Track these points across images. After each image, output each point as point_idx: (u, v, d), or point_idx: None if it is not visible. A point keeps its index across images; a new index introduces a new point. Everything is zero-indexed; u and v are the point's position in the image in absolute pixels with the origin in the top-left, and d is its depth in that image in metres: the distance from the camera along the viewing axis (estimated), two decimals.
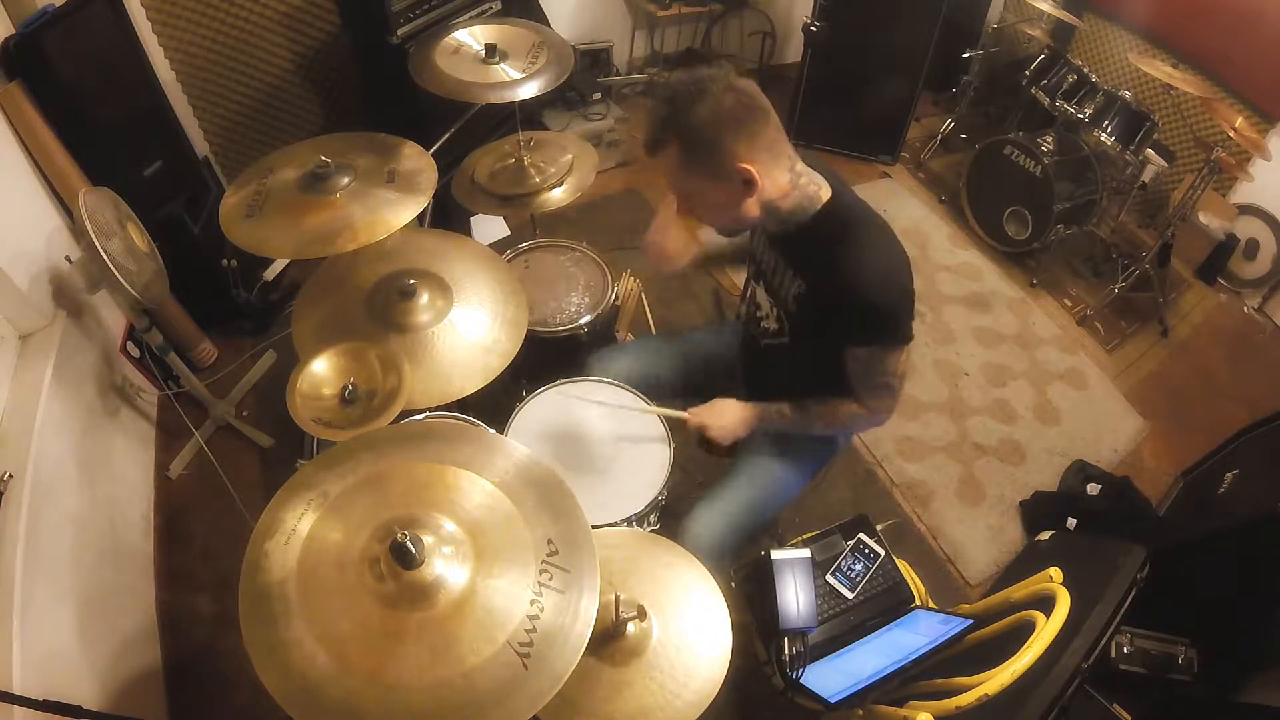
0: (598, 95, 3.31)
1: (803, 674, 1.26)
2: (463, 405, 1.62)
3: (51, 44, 1.79)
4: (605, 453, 1.51)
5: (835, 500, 2.25)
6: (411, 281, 1.44)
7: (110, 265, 1.62)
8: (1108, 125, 2.83)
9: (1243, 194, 3.15)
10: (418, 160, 1.51)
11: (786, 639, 1.27)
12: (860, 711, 1.42)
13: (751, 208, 1.21)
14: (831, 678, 1.34)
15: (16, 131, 1.82)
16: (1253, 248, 3.16)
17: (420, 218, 1.52)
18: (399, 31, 2.28)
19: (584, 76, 3.28)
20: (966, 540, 2.22)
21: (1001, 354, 2.81)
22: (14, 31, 1.81)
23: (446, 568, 0.89)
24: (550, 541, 0.94)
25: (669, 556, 1.23)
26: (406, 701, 0.81)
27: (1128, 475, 2.38)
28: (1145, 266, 2.97)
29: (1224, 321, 3.15)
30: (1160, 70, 2.72)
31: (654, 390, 1.61)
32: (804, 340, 1.38)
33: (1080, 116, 2.88)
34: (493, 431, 1.41)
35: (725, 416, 1.43)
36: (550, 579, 0.91)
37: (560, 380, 1.61)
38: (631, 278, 2.21)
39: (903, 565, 1.62)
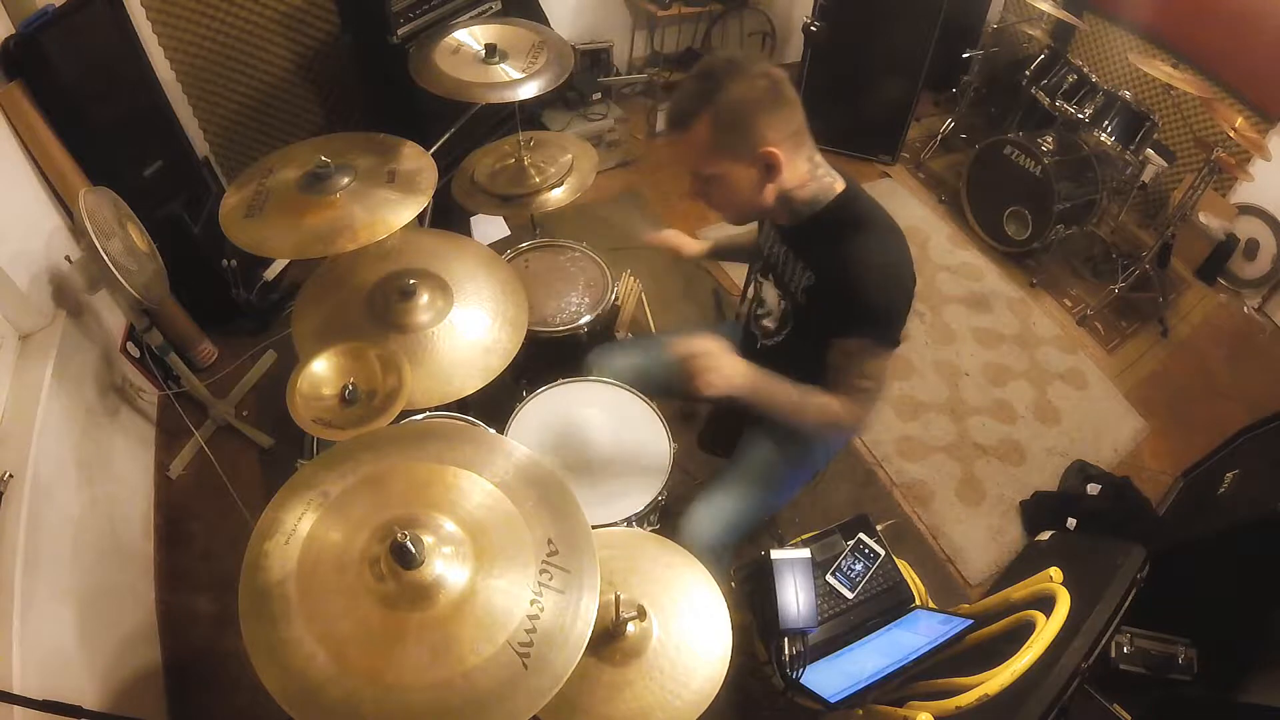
0: (598, 95, 3.31)
1: (803, 674, 1.26)
2: (463, 405, 1.62)
3: (51, 44, 1.80)
4: (605, 453, 1.51)
5: (835, 500, 2.25)
6: (411, 281, 1.44)
7: (110, 265, 1.62)
8: (1108, 125, 2.83)
9: (1243, 194, 3.15)
10: (418, 160, 1.51)
11: (786, 639, 1.27)
12: (860, 711, 1.42)
13: (769, 194, 1.22)
14: (831, 678, 1.34)
15: (16, 131, 1.82)
16: (1253, 248, 3.16)
17: (420, 218, 1.52)
18: (399, 31, 2.28)
19: (584, 76, 3.28)
20: (966, 540, 2.22)
21: (1001, 354, 2.81)
22: (14, 31, 1.81)
23: (446, 568, 0.89)
24: (550, 541, 0.94)
25: (669, 556, 1.23)
26: (406, 701, 0.81)
27: (1128, 475, 2.38)
28: (1145, 266, 2.97)
29: (1224, 321, 3.15)
30: (1160, 70, 2.72)
31: (652, 389, 1.61)
32: (807, 337, 1.38)
33: (1080, 116, 2.88)
34: (493, 431, 1.41)
35: (726, 368, 1.24)
36: (550, 579, 0.91)
37: (561, 380, 1.61)
38: (631, 278, 2.21)
39: (903, 565, 1.62)
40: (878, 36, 3.19)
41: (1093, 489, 2.30)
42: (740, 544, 1.52)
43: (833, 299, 1.27)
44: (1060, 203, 2.86)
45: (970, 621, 1.41)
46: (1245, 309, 3.21)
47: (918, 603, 1.57)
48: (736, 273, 2.81)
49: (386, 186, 1.43)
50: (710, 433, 1.87)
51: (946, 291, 3.02)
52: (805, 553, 1.30)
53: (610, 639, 1.06)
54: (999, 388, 2.68)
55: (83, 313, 1.94)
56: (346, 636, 0.84)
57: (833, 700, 1.27)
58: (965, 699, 1.24)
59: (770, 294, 1.45)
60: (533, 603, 0.88)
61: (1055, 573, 1.45)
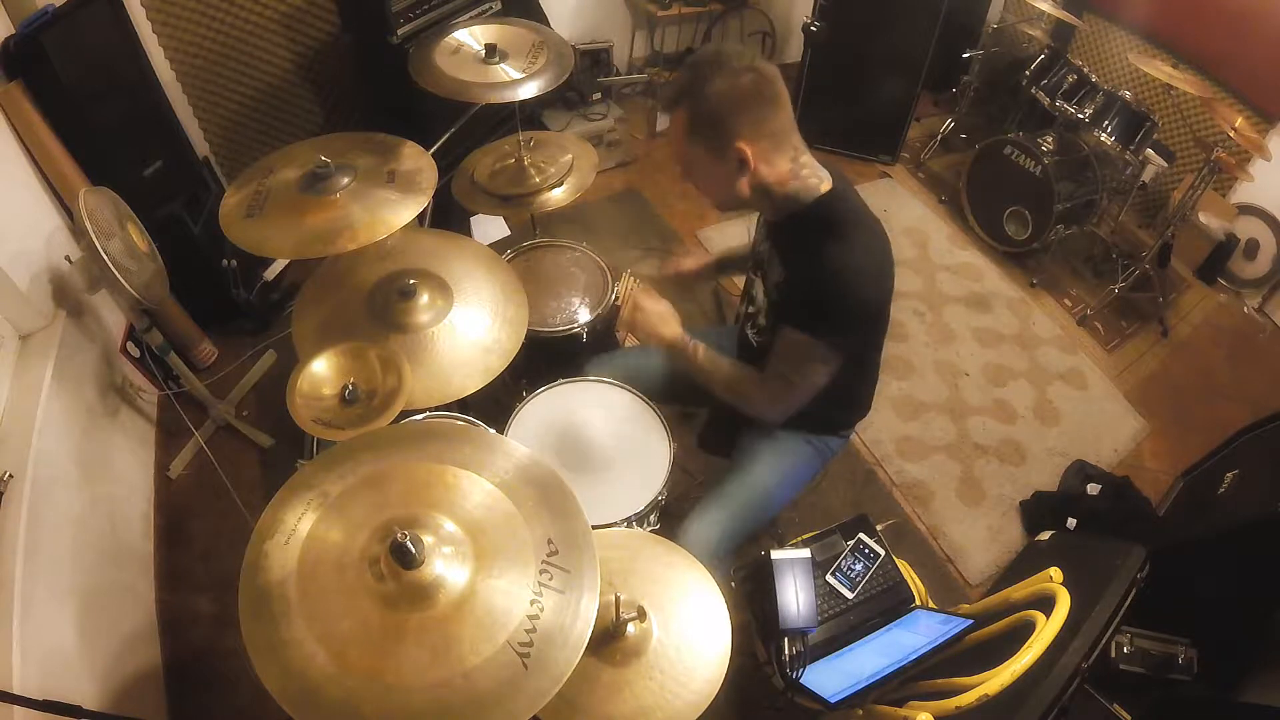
0: (598, 95, 3.31)
1: (803, 674, 1.26)
2: (463, 405, 1.62)
3: (51, 44, 1.80)
4: (605, 453, 1.51)
5: (835, 500, 2.25)
6: (411, 281, 1.44)
7: (110, 265, 1.62)
8: (1108, 125, 2.82)
9: (1243, 194, 3.15)
10: (418, 160, 1.51)
11: (786, 639, 1.27)
12: (860, 711, 1.42)
13: (743, 187, 1.24)
14: (831, 678, 1.34)
15: (16, 131, 1.82)
16: (1253, 248, 3.16)
17: (420, 218, 1.52)
18: (399, 31, 2.28)
19: (584, 76, 3.28)
20: (966, 540, 2.22)
21: (1001, 354, 2.81)
22: (14, 31, 1.81)
23: (446, 568, 0.89)
24: (550, 541, 0.94)
25: (669, 556, 1.23)
26: (406, 701, 0.81)
27: (1128, 475, 2.38)
28: (1145, 266, 2.97)
29: (1224, 321, 3.15)
30: (1160, 70, 2.72)
31: (651, 392, 1.61)
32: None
33: (1080, 116, 2.88)
34: (493, 431, 1.41)
35: (658, 322, 1.41)
36: (550, 579, 0.91)
37: (561, 380, 1.61)
38: (631, 278, 2.21)
39: (903, 565, 1.62)
40: (878, 36, 3.19)
41: (1093, 489, 2.30)
42: (740, 544, 1.52)
43: (796, 297, 1.29)
44: (1060, 203, 2.86)
45: (970, 621, 1.41)
46: (1245, 309, 3.21)
47: (918, 603, 1.57)
48: (737, 275, 2.81)
49: (386, 186, 1.43)
50: (710, 433, 1.87)
51: (946, 291, 3.02)
52: (805, 553, 1.30)
53: (610, 639, 1.06)
54: (999, 388, 2.68)
55: (83, 313, 1.94)
56: (346, 636, 0.84)
57: (833, 700, 1.27)
58: (965, 699, 1.24)
59: (759, 290, 1.47)
60: (533, 603, 0.88)
61: (1055, 573, 1.45)
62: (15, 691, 1.18)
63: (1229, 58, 3.05)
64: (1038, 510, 2.28)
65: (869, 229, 1.27)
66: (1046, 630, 1.29)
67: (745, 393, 1.39)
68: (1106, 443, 2.54)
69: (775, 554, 1.29)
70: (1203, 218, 3.10)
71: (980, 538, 2.24)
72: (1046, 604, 1.37)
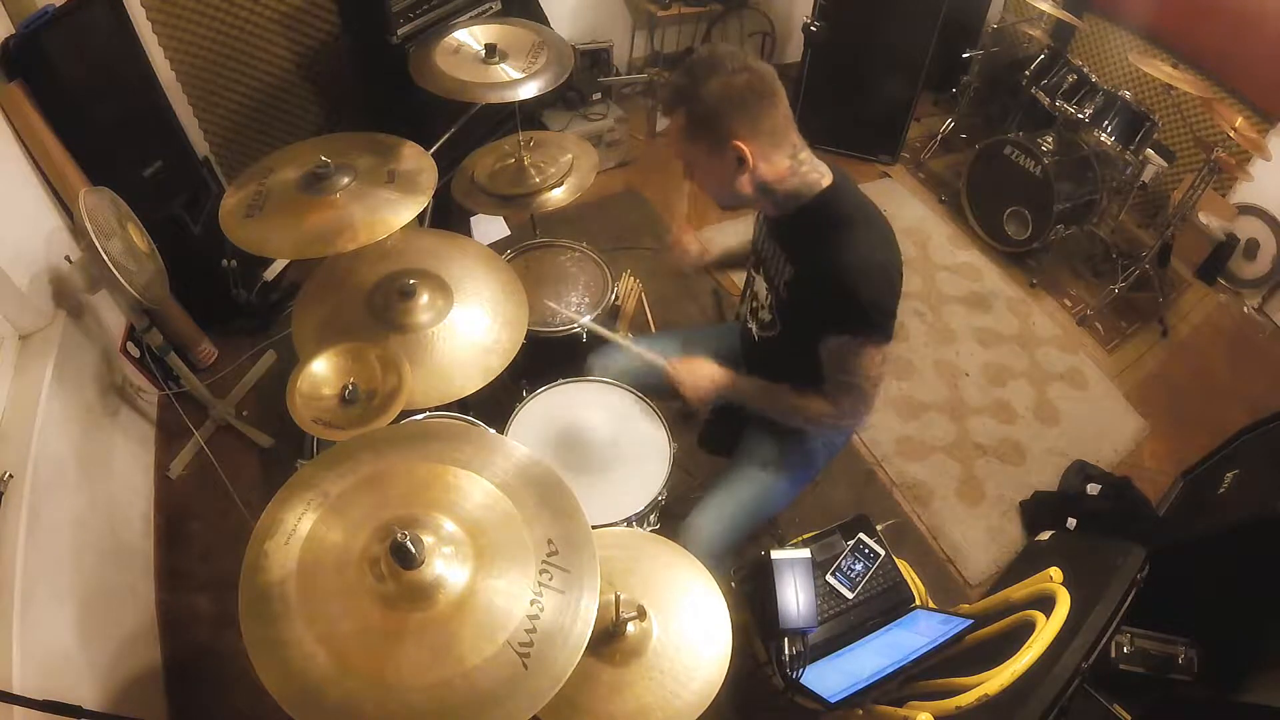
0: (598, 95, 3.31)
1: (803, 674, 1.26)
2: (463, 405, 1.62)
3: (51, 44, 1.79)
4: (605, 453, 1.51)
5: (835, 500, 2.25)
6: (411, 281, 1.44)
7: (110, 265, 1.62)
8: (1108, 125, 2.83)
9: (1243, 194, 3.15)
10: (418, 160, 1.51)
11: (786, 639, 1.27)
12: (860, 711, 1.42)
13: (744, 185, 1.26)
14: (831, 678, 1.34)
15: (16, 131, 1.82)
16: (1253, 248, 3.16)
17: (420, 218, 1.52)
18: (399, 32, 2.28)
19: (584, 76, 3.28)
20: (966, 540, 2.22)
21: (1001, 354, 2.80)
22: (14, 31, 1.81)
23: (446, 568, 0.89)
24: (550, 541, 0.94)
25: (669, 556, 1.23)
26: (406, 701, 0.81)
27: (1128, 475, 2.38)
28: (1145, 266, 2.97)
29: (1224, 321, 3.15)
30: (1160, 70, 2.72)
31: (653, 390, 1.61)
32: (793, 332, 1.39)
33: (1080, 116, 2.88)
34: (493, 431, 1.41)
35: (698, 375, 1.44)
36: (550, 579, 0.91)
37: (561, 380, 1.61)
38: (631, 278, 2.21)
39: (903, 565, 1.62)
40: (878, 36, 3.19)
41: (1093, 489, 2.30)
42: (740, 544, 1.52)
43: (812, 294, 1.29)
44: (1060, 203, 2.86)
45: (970, 621, 1.41)
46: (1245, 309, 3.21)
47: (918, 603, 1.57)
48: (737, 273, 2.81)
49: (386, 186, 1.43)
50: (710, 433, 1.86)
51: (946, 291, 3.02)
52: (805, 553, 1.31)
53: (610, 639, 1.06)
54: (999, 388, 2.68)
55: (83, 313, 1.94)
56: (346, 636, 0.84)
57: (833, 700, 1.27)
58: (965, 699, 1.24)
59: (761, 288, 1.47)
60: (533, 603, 0.88)
61: (1055, 573, 1.45)
62: (15, 691, 1.18)
63: (1229, 58, 3.05)
64: (1038, 510, 2.28)
65: (875, 220, 1.28)
66: (1046, 630, 1.29)
67: (817, 416, 1.37)
68: (1106, 443, 2.54)
69: (775, 554, 1.29)
70: (1203, 218, 3.10)
71: (980, 538, 2.24)
72: (1046, 604, 1.37)
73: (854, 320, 1.23)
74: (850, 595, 1.55)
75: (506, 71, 1.74)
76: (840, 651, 1.46)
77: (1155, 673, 1.75)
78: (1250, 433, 2.19)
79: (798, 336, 1.36)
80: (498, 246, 1.80)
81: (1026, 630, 1.34)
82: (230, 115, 2.64)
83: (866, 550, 1.60)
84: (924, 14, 3.12)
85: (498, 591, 0.89)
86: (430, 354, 1.40)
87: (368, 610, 0.86)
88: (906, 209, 3.40)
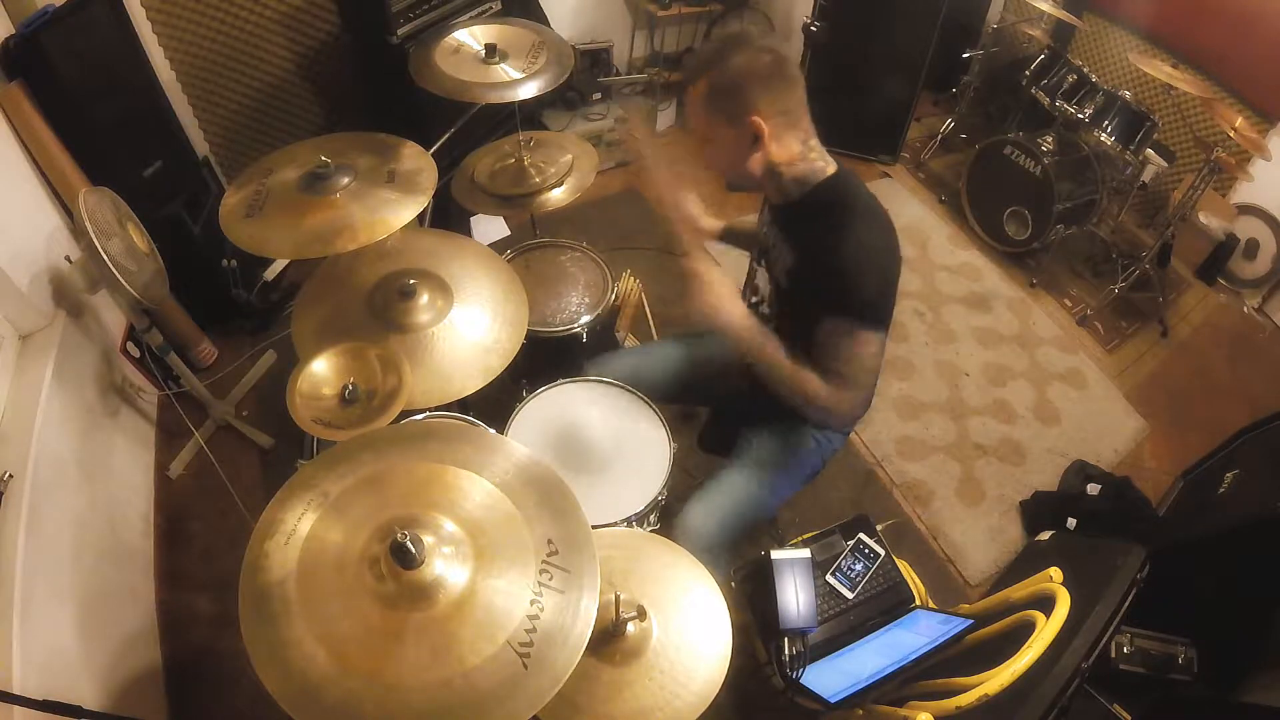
0: (598, 95, 3.31)
1: (803, 674, 1.26)
2: (463, 405, 1.62)
3: (51, 44, 1.79)
4: (605, 453, 1.51)
5: (835, 500, 2.25)
6: (411, 281, 1.44)
7: (110, 265, 1.62)
8: (1108, 125, 2.82)
9: (1243, 194, 3.14)
10: (418, 160, 1.51)
11: (786, 639, 1.27)
12: (860, 711, 1.42)
13: (755, 163, 1.27)
14: (831, 678, 1.34)
15: (16, 131, 1.82)
16: (1253, 248, 3.16)
17: (420, 218, 1.52)
18: (399, 31, 2.28)
19: (584, 76, 3.28)
20: (966, 540, 2.22)
21: (1001, 354, 2.80)
22: (14, 31, 1.81)
23: (446, 568, 0.89)
24: (550, 541, 0.94)
25: (669, 556, 1.23)
26: (406, 701, 0.81)
27: (1128, 475, 2.38)
28: (1145, 266, 2.97)
29: (1224, 321, 3.14)
30: (1160, 70, 2.72)
31: (654, 392, 1.61)
32: (792, 323, 1.39)
33: (1080, 116, 2.87)
34: (493, 431, 1.41)
35: (723, 294, 1.29)
36: (550, 579, 0.91)
37: (561, 380, 1.61)
38: (631, 278, 2.21)
39: (903, 565, 1.62)
40: (878, 36, 3.19)
41: (1093, 489, 2.30)
42: (739, 543, 1.52)
43: (811, 281, 1.29)
44: (1060, 203, 2.86)
45: (970, 621, 1.41)
46: (1245, 309, 3.21)
47: (918, 603, 1.57)
48: (738, 271, 2.80)
49: (386, 186, 1.43)
50: (710, 433, 1.87)
51: (946, 291, 3.02)
52: (805, 553, 1.31)
53: (610, 639, 1.06)
54: (999, 388, 2.68)
55: (83, 313, 1.94)
56: (346, 636, 0.84)
57: (833, 700, 1.27)
58: (965, 699, 1.24)
59: (762, 278, 1.47)
60: (533, 603, 0.88)
61: (1055, 573, 1.45)
62: (15, 691, 1.18)
63: (1229, 58, 3.05)
64: (1038, 510, 2.28)
65: (875, 210, 1.28)
66: (1046, 630, 1.29)
67: (811, 393, 1.28)
68: (1106, 443, 2.54)
69: (775, 554, 1.29)
70: (1203, 218, 3.10)
71: (980, 538, 2.24)
72: (1046, 604, 1.37)
73: (847, 304, 1.23)
74: (850, 595, 1.55)
75: (506, 71, 1.74)
76: (840, 651, 1.46)
77: (1155, 673, 1.75)
78: (1250, 433, 2.19)
79: (797, 328, 1.36)
80: (498, 246, 1.80)
81: (1026, 630, 1.34)
82: (230, 115, 2.64)
83: (866, 550, 1.60)
84: (924, 14, 3.12)
85: (498, 591, 0.89)
86: (430, 354, 1.40)
87: (368, 610, 0.86)
88: (906, 209, 3.40)
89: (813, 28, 3.13)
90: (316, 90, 2.79)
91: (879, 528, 1.64)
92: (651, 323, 2.49)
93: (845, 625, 1.52)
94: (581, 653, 0.86)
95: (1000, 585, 2.00)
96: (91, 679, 1.50)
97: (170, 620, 1.86)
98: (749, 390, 1.61)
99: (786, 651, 1.26)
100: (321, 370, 1.31)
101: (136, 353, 2.16)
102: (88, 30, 1.91)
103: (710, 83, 1.23)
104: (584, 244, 2.02)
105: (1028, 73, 3.14)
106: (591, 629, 0.88)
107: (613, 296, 1.88)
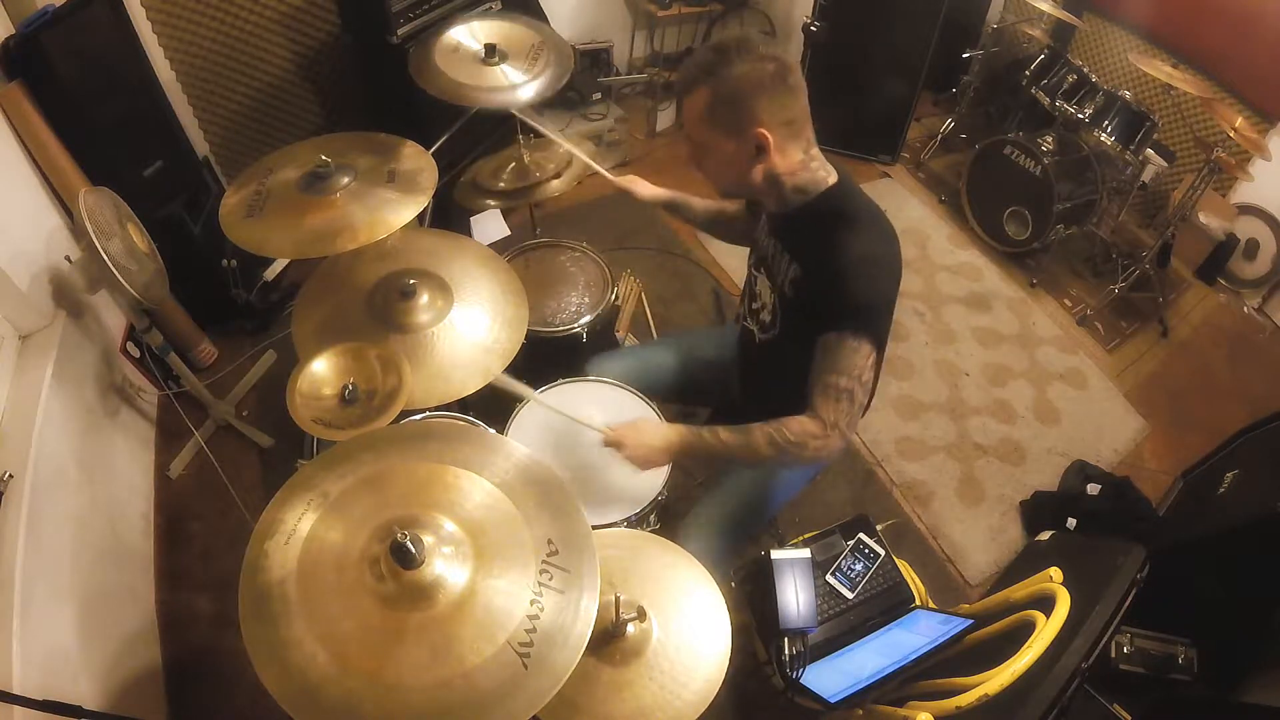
0: (598, 95, 3.31)
1: (803, 674, 1.26)
2: (463, 405, 1.62)
3: (51, 44, 1.80)
4: (605, 453, 1.51)
5: (835, 500, 2.25)
6: (411, 281, 1.43)
7: (110, 265, 1.62)
8: (1108, 125, 2.83)
9: (1243, 194, 3.15)
10: (418, 160, 1.51)
11: (786, 639, 1.27)
12: (860, 711, 1.42)
13: (756, 174, 1.23)
14: (831, 678, 1.34)
15: (16, 131, 1.82)
16: (1253, 248, 3.16)
17: (420, 218, 1.52)
18: (399, 31, 2.28)
19: (584, 76, 3.28)
20: (966, 540, 2.22)
21: (1001, 354, 2.81)
22: (14, 31, 1.81)
23: (446, 568, 0.89)
24: (550, 541, 0.94)
25: (669, 556, 1.23)
26: (406, 701, 0.81)
27: (1128, 475, 2.38)
28: (1145, 266, 2.97)
29: (1224, 321, 3.15)
30: (1160, 70, 2.72)
31: (652, 392, 1.61)
32: (795, 332, 1.38)
33: (1080, 116, 2.88)
34: (493, 431, 1.41)
35: (644, 436, 1.30)
36: (550, 579, 0.91)
37: (561, 380, 1.61)
38: (631, 278, 2.22)
39: (903, 565, 1.62)
40: (878, 36, 3.19)
41: (1093, 489, 2.30)
42: (739, 543, 1.52)
43: (816, 292, 1.27)
44: (1060, 203, 2.86)
45: (970, 621, 1.41)
46: (1245, 309, 3.21)
47: (918, 603, 1.57)
48: (737, 273, 2.81)
49: (386, 186, 1.43)
50: None
51: (946, 291, 3.02)
52: (805, 553, 1.31)
53: (610, 639, 1.06)
54: (999, 388, 2.68)
55: (83, 313, 1.94)
56: (346, 636, 0.84)
57: (833, 700, 1.27)
58: (965, 699, 1.24)
59: (763, 288, 1.45)
60: (533, 603, 0.88)
61: (1055, 573, 1.45)
62: (15, 691, 1.18)
63: (1229, 58, 3.05)
64: (1038, 510, 2.28)
65: (878, 220, 1.27)
66: (1046, 630, 1.29)
67: (799, 438, 1.22)
68: (1106, 443, 2.54)
69: (775, 554, 1.29)
70: (1203, 218, 3.10)
71: (980, 538, 2.24)
72: (1046, 604, 1.37)
73: (850, 316, 1.20)
74: (850, 595, 1.55)
75: (506, 74, 1.73)
76: (840, 651, 1.46)
77: (1155, 673, 1.75)
78: (1250, 433, 2.19)
79: (800, 337, 1.35)
80: (498, 246, 1.80)
81: (1026, 630, 1.34)
82: (230, 115, 2.64)
83: (866, 550, 1.60)
84: (924, 14, 3.12)
85: (498, 591, 0.89)
86: (430, 354, 1.40)
87: (368, 610, 0.86)
88: (906, 209, 3.40)
89: (813, 28, 3.14)
90: (316, 90, 2.79)
91: (879, 528, 1.64)
92: (651, 323, 2.49)
93: (845, 625, 1.52)
94: (581, 653, 0.86)
95: (1000, 585, 2.00)
96: (91, 679, 1.50)
97: (170, 620, 1.86)
98: (743, 390, 1.61)
99: (786, 651, 1.26)
100: (321, 370, 1.30)
101: (136, 353, 2.16)
102: (88, 30, 1.91)
103: (711, 93, 1.17)
104: (584, 244, 2.02)
105: (1028, 73, 3.15)
106: (591, 629, 0.88)
107: (613, 296, 1.88)
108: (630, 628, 1.07)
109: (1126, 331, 3.00)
